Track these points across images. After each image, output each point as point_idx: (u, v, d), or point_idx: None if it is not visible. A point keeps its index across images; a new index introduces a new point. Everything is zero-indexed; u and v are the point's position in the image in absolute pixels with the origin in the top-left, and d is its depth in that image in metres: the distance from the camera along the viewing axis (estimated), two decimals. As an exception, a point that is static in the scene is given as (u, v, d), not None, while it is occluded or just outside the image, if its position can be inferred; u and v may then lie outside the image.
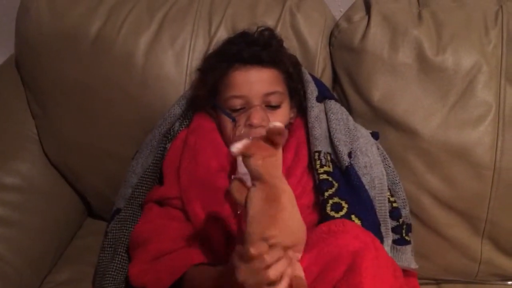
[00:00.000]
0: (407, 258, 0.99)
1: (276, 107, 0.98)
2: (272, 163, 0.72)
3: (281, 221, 0.70)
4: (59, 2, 1.15)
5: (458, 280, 1.13)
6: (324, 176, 0.95)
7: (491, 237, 1.09)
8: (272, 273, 0.68)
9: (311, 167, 0.98)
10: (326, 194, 0.93)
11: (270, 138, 0.71)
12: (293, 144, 1.00)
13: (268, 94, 0.96)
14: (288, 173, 0.95)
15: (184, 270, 0.86)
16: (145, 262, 0.90)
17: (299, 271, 0.74)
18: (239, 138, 0.92)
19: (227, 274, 0.73)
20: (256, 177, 0.72)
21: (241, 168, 0.88)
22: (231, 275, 0.70)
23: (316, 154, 0.97)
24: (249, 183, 0.85)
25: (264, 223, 0.70)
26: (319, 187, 0.94)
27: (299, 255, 0.76)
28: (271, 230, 0.70)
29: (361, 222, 0.90)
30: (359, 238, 0.78)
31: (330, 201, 0.92)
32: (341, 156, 0.97)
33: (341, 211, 0.91)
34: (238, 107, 0.96)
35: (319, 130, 0.99)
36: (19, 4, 1.18)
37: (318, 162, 0.96)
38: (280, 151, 0.73)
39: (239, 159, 0.87)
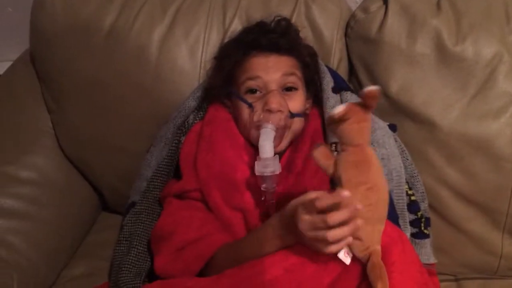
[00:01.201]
0: (426, 252, 0.98)
1: (293, 90, 0.97)
2: (366, 127, 0.74)
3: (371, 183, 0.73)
4: (73, -4, 1.15)
5: (478, 276, 1.11)
6: None
7: (512, 231, 1.07)
8: (331, 235, 0.70)
9: None
10: None
11: (365, 102, 0.73)
12: (309, 135, 0.98)
13: (286, 75, 0.95)
14: (304, 164, 0.94)
15: (211, 254, 0.86)
16: (171, 253, 0.90)
17: (378, 245, 0.75)
18: (257, 124, 0.92)
19: (290, 222, 0.76)
20: (348, 142, 0.74)
21: (263, 154, 0.87)
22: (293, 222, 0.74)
23: (333, 146, 0.95)
24: (269, 168, 0.85)
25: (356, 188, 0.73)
26: None
27: (382, 228, 0.76)
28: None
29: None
30: (386, 232, 0.77)
31: None
32: (358, 148, 0.96)
33: None
34: (254, 87, 0.95)
35: None
36: (33, -1, 1.19)
37: (334, 153, 0.94)
38: (370, 115, 0.75)
39: (261, 146, 0.87)
